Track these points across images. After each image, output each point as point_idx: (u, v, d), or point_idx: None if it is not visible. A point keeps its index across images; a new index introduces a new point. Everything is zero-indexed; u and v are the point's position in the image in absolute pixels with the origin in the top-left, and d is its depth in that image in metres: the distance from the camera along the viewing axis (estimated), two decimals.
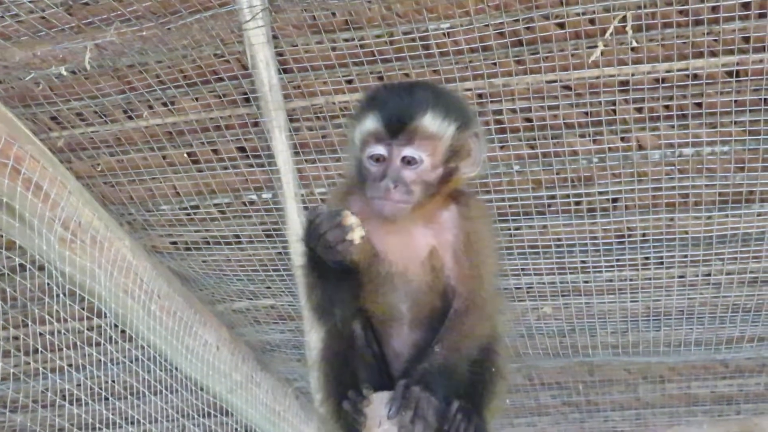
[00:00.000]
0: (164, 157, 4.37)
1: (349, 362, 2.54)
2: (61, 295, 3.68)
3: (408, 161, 2.40)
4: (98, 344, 4.25)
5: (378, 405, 2.20)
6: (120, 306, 3.87)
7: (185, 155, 4.37)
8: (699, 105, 3.97)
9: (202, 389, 4.84)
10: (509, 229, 4.59)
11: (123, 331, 4.32)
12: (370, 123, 2.41)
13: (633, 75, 3.87)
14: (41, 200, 3.31)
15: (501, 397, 2.56)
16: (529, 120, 4.12)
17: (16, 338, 4.26)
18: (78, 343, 4.15)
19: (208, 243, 4.77)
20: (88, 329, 4.22)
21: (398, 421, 2.17)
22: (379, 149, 2.40)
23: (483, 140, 2.51)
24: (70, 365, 4.32)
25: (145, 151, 4.32)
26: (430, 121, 2.40)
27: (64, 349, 4.21)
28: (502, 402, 2.60)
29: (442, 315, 2.45)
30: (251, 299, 5.24)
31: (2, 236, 3.73)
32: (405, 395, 2.22)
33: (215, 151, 4.36)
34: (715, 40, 3.72)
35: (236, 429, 5.21)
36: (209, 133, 4.26)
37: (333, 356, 2.58)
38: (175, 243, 4.80)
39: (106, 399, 4.50)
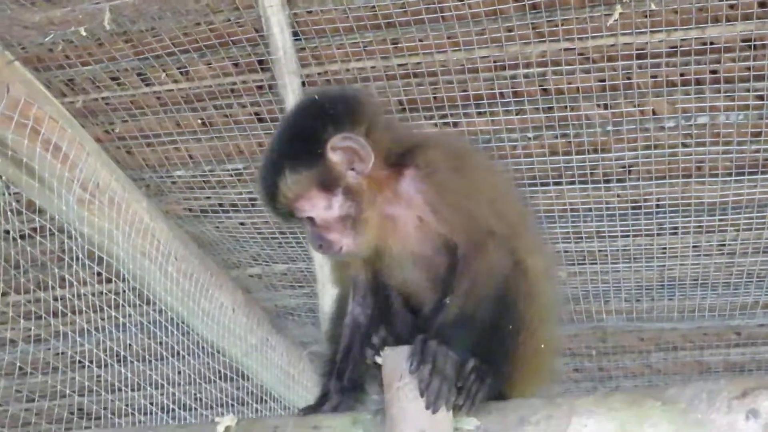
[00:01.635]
0: (178, 123, 4.37)
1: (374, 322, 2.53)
2: (81, 257, 3.72)
3: (312, 220, 2.41)
4: (117, 306, 4.28)
5: (399, 359, 2.20)
6: (137, 267, 3.91)
7: (200, 120, 4.37)
8: (715, 73, 3.94)
9: (220, 352, 4.88)
10: (524, 197, 4.58)
11: (141, 294, 4.35)
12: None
13: (649, 42, 3.84)
14: (60, 161, 3.34)
15: (535, 356, 2.47)
16: (545, 87, 4.10)
17: (37, 300, 4.29)
18: (98, 304, 4.18)
19: (223, 208, 4.78)
20: (107, 292, 4.26)
21: (417, 375, 2.17)
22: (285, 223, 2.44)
23: (355, 134, 2.38)
24: (90, 328, 4.35)
25: (159, 116, 4.32)
26: (292, 185, 2.36)
27: (86, 311, 4.24)
28: (540, 362, 2.52)
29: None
30: (266, 264, 5.26)
31: (19, 200, 3.76)
32: (423, 350, 2.19)
33: (229, 117, 4.35)
34: (732, 7, 3.69)
35: (252, 392, 5.25)
36: (224, 99, 4.25)
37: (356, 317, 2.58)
38: (190, 208, 4.82)
39: (124, 360, 4.54)
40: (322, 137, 2.36)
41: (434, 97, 4.12)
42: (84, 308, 4.12)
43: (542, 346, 2.49)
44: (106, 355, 4.29)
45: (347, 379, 2.51)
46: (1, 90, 3.05)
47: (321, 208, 2.38)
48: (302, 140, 2.39)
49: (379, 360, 2.26)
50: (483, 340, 2.31)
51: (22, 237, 3.86)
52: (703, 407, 2.19)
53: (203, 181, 4.64)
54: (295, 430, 2.29)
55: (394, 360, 2.23)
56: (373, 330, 2.46)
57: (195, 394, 4.89)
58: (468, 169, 2.47)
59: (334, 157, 2.36)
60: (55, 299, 4.29)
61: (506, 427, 2.23)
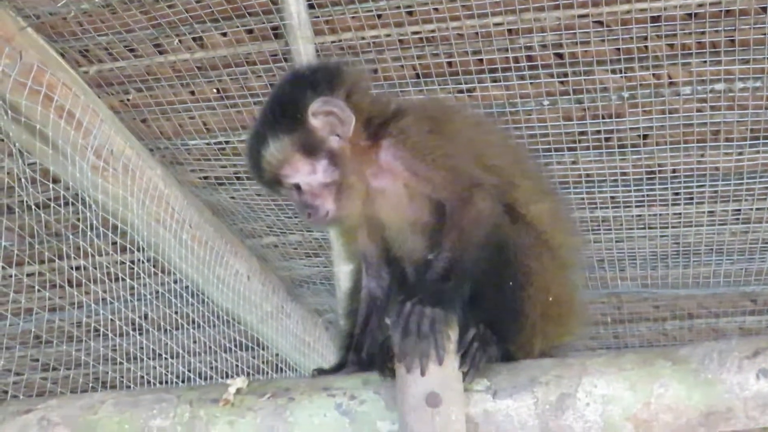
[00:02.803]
0: (193, 93, 4.37)
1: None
2: (97, 226, 3.74)
3: (298, 188, 2.42)
4: (134, 276, 4.31)
5: None
6: (152, 235, 3.92)
7: (215, 90, 4.37)
8: (731, 39, 3.91)
9: (236, 320, 4.91)
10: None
11: (156, 262, 4.37)
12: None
13: (665, 8, 3.82)
14: (74, 128, 3.35)
15: (550, 310, 2.43)
16: (560, 55, 4.08)
17: (51, 270, 4.32)
18: (115, 273, 4.20)
19: (238, 177, 4.79)
20: (121, 262, 4.28)
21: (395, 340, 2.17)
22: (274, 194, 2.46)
23: (334, 98, 2.41)
24: (108, 297, 4.38)
25: (174, 86, 4.32)
26: (275, 152, 2.38)
27: (103, 280, 4.26)
28: (558, 315, 2.48)
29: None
30: (281, 233, 5.27)
31: (35, 170, 3.78)
32: (399, 312, 2.19)
33: (244, 86, 4.35)
34: None
35: (269, 360, 5.27)
36: (238, 68, 4.24)
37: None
38: (205, 177, 4.83)
39: (141, 329, 4.56)
40: (302, 103, 2.39)
41: (449, 65, 4.10)
42: (101, 277, 4.14)
43: (559, 298, 2.46)
44: (124, 324, 4.31)
45: (366, 352, 2.53)
46: (14, 56, 3.06)
47: (305, 173, 2.41)
48: (283, 108, 2.43)
49: (387, 320, 2.26)
50: (483, 298, 2.30)
51: (38, 206, 3.87)
52: (714, 367, 2.19)
53: (218, 150, 4.65)
54: (306, 391, 2.31)
55: None
56: (392, 300, 2.46)
57: (212, 363, 4.92)
58: (444, 128, 2.46)
59: (315, 121, 2.39)
60: (72, 268, 4.31)
61: (517, 387, 2.24)
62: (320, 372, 2.51)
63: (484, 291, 2.31)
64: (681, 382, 2.18)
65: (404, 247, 2.50)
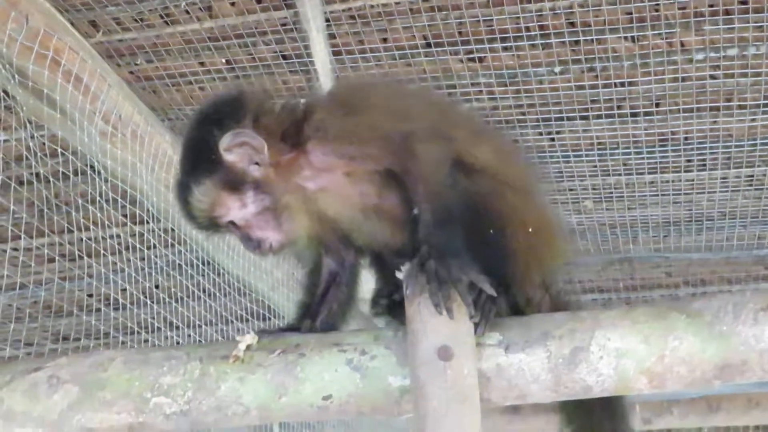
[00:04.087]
0: (202, 63, 4.35)
1: None
2: (110, 196, 3.73)
3: (235, 225, 2.42)
4: (140, 250, 4.30)
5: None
6: (162, 200, 3.89)
7: (224, 60, 4.35)
8: (744, 3, 3.87)
9: (250, 290, 4.90)
10: (551, 132, 4.55)
11: (167, 232, 4.36)
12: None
13: None
14: (81, 93, 3.32)
15: (533, 243, 2.41)
16: (571, 21, 4.04)
17: (61, 243, 4.31)
18: (127, 243, 4.20)
19: None
20: (131, 235, 4.27)
21: (429, 292, 2.16)
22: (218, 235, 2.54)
23: (241, 128, 2.38)
24: (123, 267, 4.37)
25: (183, 56, 4.30)
26: (201, 197, 2.38)
27: (118, 250, 4.25)
28: (540, 247, 2.46)
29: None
30: None
31: (44, 144, 3.77)
32: (421, 271, 2.18)
33: (254, 57, 4.33)
34: None
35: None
36: (246, 39, 4.22)
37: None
38: None
39: (157, 299, 4.56)
40: (211, 142, 2.36)
41: (459, 32, 4.07)
42: (116, 247, 4.13)
43: (538, 226, 2.44)
44: (135, 292, 4.30)
45: (320, 321, 2.54)
46: (21, 21, 3.03)
47: (236, 209, 2.40)
48: (197, 151, 2.42)
49: (399, 275, 2.24)
50: (474, 251, 2.27)
51: (48, 177, 3.87)
52: (729, 319, 2.17)
53: None
54: (317, 347, 2.29)
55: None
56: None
57: (225, 331, 4.92)
58: (359, 104, 2.44)
59: (230, 156, 2.37)
60: (82, 240, 4.30)
61: (529, 341, 2.22)
62: (264, 332, 2.48)
63: (471, 245, 2.28)
64: (695, 335, 2.16)
65: (366, 238, 2.51)
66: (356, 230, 2.49)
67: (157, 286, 4.56)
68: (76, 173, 3.70)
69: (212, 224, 2.46)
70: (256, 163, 2.39)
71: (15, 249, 3.84)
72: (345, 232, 2.51)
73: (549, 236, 2.52)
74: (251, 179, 2.39)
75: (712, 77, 4.22)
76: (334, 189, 2.43)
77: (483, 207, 2.34)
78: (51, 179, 3.67)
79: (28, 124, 3.44)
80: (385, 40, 4.11)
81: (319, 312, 2.55)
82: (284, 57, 4.30)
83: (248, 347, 2.31)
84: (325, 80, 4.30)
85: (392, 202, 2.42)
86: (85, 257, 4.09)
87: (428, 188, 2.29)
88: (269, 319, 5.11)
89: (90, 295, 4.40)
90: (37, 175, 3.72)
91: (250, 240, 2.43)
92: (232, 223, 2.43)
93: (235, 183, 2.38)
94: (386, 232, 2.45)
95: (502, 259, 2.35)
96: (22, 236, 3.61)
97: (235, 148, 2.36)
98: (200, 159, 2.39)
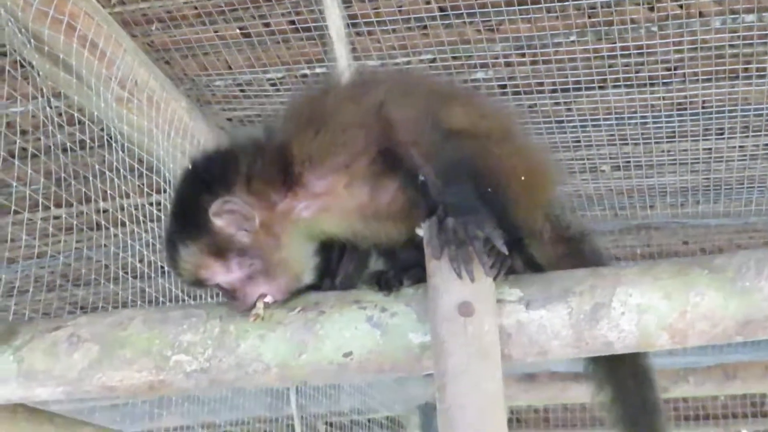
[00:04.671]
0: (216, 32, 4.34)
1: None
2: (127, 162, 3.74)
3: (220, 286, 2.39)
4: (159, 219, 4.30)
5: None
6: (178, 167, 3.89)
7: (237, 29, 4.33)
8: None
9: None
10: (568, 100, 4.53)
11: None
12: None
13: None
14: (97, 58, 3.32)
15: (530, 192, 2.41)
16: None
17: (81, 213, 4.32)
18: (138, 216, 4.20)
19: (258, 116, 4.76)
20: (149, 203, 4.27)
21: (447, 256, 2.15)
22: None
23: (232, 195, 2.35)
24: (133, 241, 4.38)
25: (197, 26, 4.29)
26: (186, 258, 2.36)
27: (128, 224, 4.26)
28: (539, 190, 2.47)
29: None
30: None
31: (61, 114, 3.78)
32: (440, 230, 2.18)
33: (267, 25, 4.31)
34: None
35: None
36: (261, 7, 4.20)
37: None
38: (230, 118, 4.81)
39: (166, 274, 4.56)
40: (201, 207, 2.34)
41: (476, 1, 4.04)
42: (135, 215, 4.14)
43: (529, 169, 2.43)
44: (146, 268, 4.31)
45: (339, 281, 2.54)
46: None
47: (221, 273, 2.37)
48: (186, 212, 2.39)
49: (419, 232, 2.24)
50: (483, 200, 2.26)
51: (65, 149, 3.87)
52: (751, 275, 2.16)
53: (241, 91, 4.62)
54: (337, 304, 2.29)
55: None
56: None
57: None
58: (322, 114, 2.40)
59: (220, 221, 2.34)
60: (97, 212, 4.31)
61: (550, 298, 2.21)
62: None
63: (477, 188, 2.27)
64: (718, 291, 2.15)
65: (367, 239, 2.49)
66: (360, 238, 2.48)
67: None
68: (93, 141, 3.70)
69: (198, 283, 2.44)
70: (245, 230, 2.36)
71: (31, 220, 3.84)
72: (349, 240, 2.51)
73: (539, 173, 2.51)
74: (238, 245, 2.36)
75: (731, 45, 4.17)
76: (332, 208, 2.41)
77: (473, 164, 2.31)
78: (69, 147, 3.68)
79: (44, 92, 3.44)
80: (400, 9, 4.08)
81: (338, 272, 2.56)
82: (298, 28, 4.29)
83: (265, 305, 2.31)
84: (340, 49, 4.28)
85: (391, 198, 2.40)
86: (104, 226, 4.10)
87: (421, 150, 2.29)
88: None
89: (107, 266, 4.40)
90: (57, 144, 3.73)
91: (234, 300, 2.39)
92: (218, 285, 2.40)
93: (220, 249, 2.35)
94: (390, 231, 2.44)
95: (505, 212, 2.33)
96: (40, 205, 3.61)
97: (225, 215, 2.34)
98: (188, 220, 2.37)
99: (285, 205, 2.40)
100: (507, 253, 2.18)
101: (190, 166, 2.48)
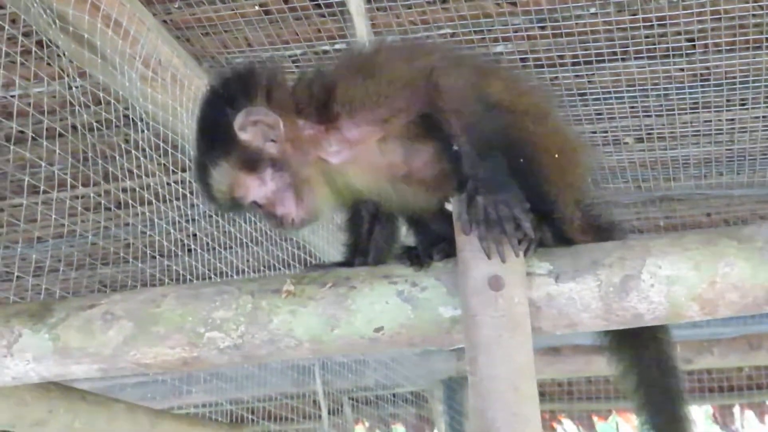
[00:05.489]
0: (236, 9, 4.34)
1: None
2: (152, 140, 3.76)
3: (257, 204, 2.42)
4: (184, 196, 4.33)
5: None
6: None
7: (257, 6, 4.33)
8: None
9: (285, 240, 4.93)
10: (590, 73, 4.52)
11: None
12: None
13: None
14: (121, 37, 3.33)
15: (562, 172, 2.41)
16: None
17: (107, 192, 4.35)
18: (164, 194, 4.23)
19: None
20: (175, 182, 4.30)
21: (477, 235, 2.16)
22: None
23: (253, 106, 2.37)
24: (158, 219, 4.41)
25: (217, 3, 4.29)
26: (219, 179, 2.38)
27: (153, 202, 4.29)
28: (572, 172, 2.47)
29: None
30: None
31: (85, 92, 3.80)
32: (470, 208, 2.19)
33: (287, 2, 4.31)
34: None
35: None
36: None
37: None
38: None
39: (190, 251, 4.61)
40: (225, 122, 2.36)
41: None
42: (161, 193, 4.17)
43: (562, 148, 2.44)
44: (184, 239, 4.35)
45: (372, 258, 2.56)
46: None
47: (256, 187, 2.39)
48: (211, 132, 2.41)
49: (449, 207, 2.25)
50: (515, 174, 2.26)
51: (91, 128, 3.90)
52: None
53: None
54: (367, 279, 2.31)
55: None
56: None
57: (268, 276, 4.97)
58: (374, 66, 2.42)
59: (245, 135, 2.36)
60: (123, 191, 4.34)
61: (579, 270, 2.22)
62: (317, 267, 2.53)
63: (510, 163, 2.27)
64: (747, 261, 2.16)
65: (394, 204, 2.51)
66: (386, 199, 2.49)
67: (201, 232, 4.59)
68: (118, 120, 3.73)
69: (234, 204, 2.46)
70: (272, 140, 2.38)
71: (59, 199, 3.87)
72: (374, 201, 2.53)
73: (572, 155, 2.51)
74: (268, 157, 2.38)
75: (753, 15, 4.14)
76: (363, 161, 2.42)
77: (509, 139, 2.31)
78: (95, 127, 3.70)
79: (71, 71, 3.46)
80: None
81: (369, 249, 2.58)
82: (317, 4, 4.28)
83: (295, 282, 2.33)
84: (360, 25, 4.28)
85: (423, 164, 2.41)
86: (131, 204, 4.13)
87: (462, 120, 2.29)
88: (311, 263, 5.15)
89: (129, 243, 4.44)
90: (81, 123, 3.75)
91: (274, 217, 2.43)
92: (254, 202, 2.43)
93: (252, 162, 2.37)
94: (418, 198, 2.46)
95: (537, 187, 2.33)
96: (69, 184, 3.64)
97: (250, 127, 2.36)
98: (215, 139, 2.39)
99: (314, 133, 2.42)
100: (532, 235, 2.19)
101: (209, 88, 2.52)
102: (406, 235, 2.67)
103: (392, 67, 2.40)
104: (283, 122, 2.37)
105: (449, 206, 2.24)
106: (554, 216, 2.37)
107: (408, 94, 2.35)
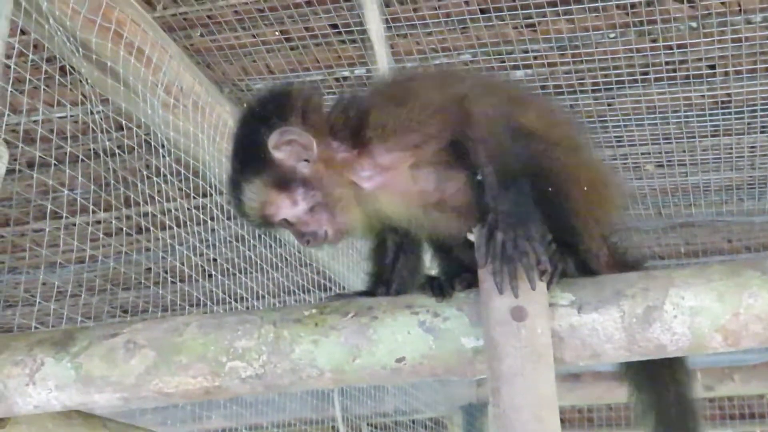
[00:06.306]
0: (257, 35, 4.36)
1: None
2: (173, 166, 3.78)
3: (288, 222, 2.43)
4: (204, 222, 4.34)
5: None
6: (223, 170, 3.94)
7: (277, 33, 4.36)
8: None
9: (309, 261, 4.93)
10: (610, 99, 4.52)
11: (223, 208, 4.40)
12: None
13: None
14: (144, 65, 3.37)
15: (590, 205, 2.40)
16: None
17: (128, 217, 4.37)
18: (184, 220, 4.25)
19: None
20: (195, 208, 4.31)
21: (491, 269, 2.16)
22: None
23: (288, 126, 2.39)
24: (176, 244, 4.42)
25: (238, 29, 4.32)
26: (252, 196, 2.40)
27: (172, 227, 4.30)
28: (600, 206, 2.45)
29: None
30: None
31: (108, 116, 3.82)
32: (488, 243, 2.18)
33: (307, 28, 4.33)
34: None
35: None
36: (301, 10, 4.22)
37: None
38: None
39: (210, 276, 4.61)
40: (260, 141, 2.38)
41: (519, 2, 4.03)
42: (180, 219, 4.19)
43: (592, 182, 2.43)
44: (203, 264, 4.36)
45: (394, 289, 2.56)
46: None
47: (287, 207, 2.41)
48: (246, 150, 2.43)
49: (471, 237, 2.25)
50: (538, 210, 2.25)
51: (112, 153, 3.91)
52: None
53: None
54: (389, 309, 2.30)
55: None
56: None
57: (287, 302, 4.97)
58: (407, 93, 2.43)
59: (279, 154, 2.38)
60: (141, 215, 4.36)
61: (602, 301, 2.21)
62: (340, 296, 2.55)
63: (535, 207, 2.26)
64: None
65: (425, 230, 2.51)
66: (416, 226, 2.49)
67: (221, 257, 4.60)
68: (140, 146, 3.75)
69: (265, 222, 2.47)
70: (306, 160, 2.40)
71: (85, 223, 3.89)
72: (404, 228, 2.52)
73: (603, 190, 2.50)
74: (301, 176, 2.40)
75: None
76: (395, 187, 2.43)
77: (538, 169, 2.31)
78: (116, 152, 3.72)
79: (92, 99, 3.49)
80: (439, 8, 4.09)
81: (392, 280, 2.58)
82: (338, 28, 4.30)
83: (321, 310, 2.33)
84: (380, 51, 4.30)
85: (456, 191, 2.42)
86: (151, 229, 4.15)
87: (489, 149, 2.29)
88: (330, 289, 5.15)
89: (149, 269, 4.45)
90: (103, 149, 3.77)
91: (303, 235, 2.45)
92: (285, 220, 2.44)
93: (284, 181, 2.39)
94: (449, 225, 2.45)
95: (563, 219, 2.34)
96: (91, 209, 3.65)
97: (284, 146, 2.38)
98: (250, 157, 2.41)
99: (346, 156, 2.42)
100: (550, 268, 2.18)
101: (246, 106, 2.56)
102: (429, 265, 2.67)
103: (425, 94, 2.41)
104: (316, 143, 2.39)
105: (471, 236, 2.24)
106: (578, 247, 2.36)
107: (440, 121, 2.35)
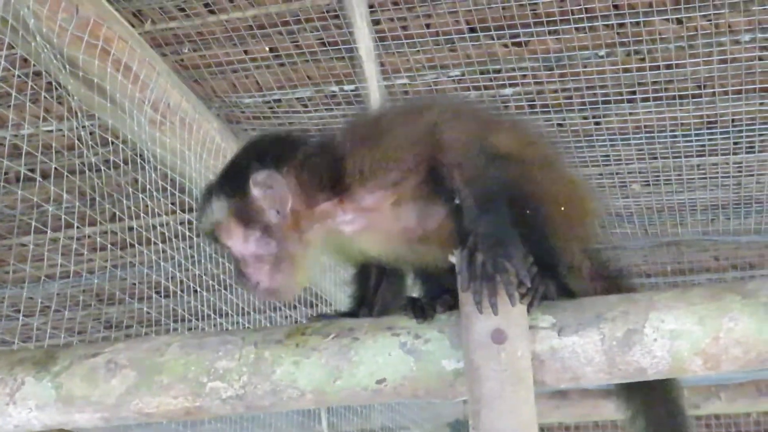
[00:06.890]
0: (246, 52, 4.37)
1: None
2: (159, 182, 3.77)
3: (231, 253, 2.48)
4: (190, 238, 4.34)
5: None
6: None
7: (266, 49, 4.36)
8: None
9: None
10: (597, 116, 4.53)
11: None
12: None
13: None
14: (131, 82, 3.37)
15: (569, 223, 2.42)
16: (616, 3, 4.00)
17: (114, 232, 4.36)
18: (169, 236, 4.24)
19: None
20: (180, 224, 4.31)
21: (471, 291, 2.16)
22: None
23: (278, 173, 2.41)
24: (161, 260, 4.41)
25: (227, 45, 4.32)
26: (214, 209, 2.43)
27: (156, 242, 4.29)
28: (578, 222, 2.47)
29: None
30: None
31: (93, 132, 3.82)
32: (469, 266, 2.18)
33: (296, 45, 4.34)
34: None
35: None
36: (290, 27, 4.23)
37: None
38: None
39: (194, 292, 4.60)
40: (246, 171, 2.41)
41: (504, 17, 4.05)
42: (166, 235, 4.19)
43: (569, 199, 2.45)
44: (189, 280, 4.35)
45: (377, 312, 2.58)
46: (71, 10, 3.08)
47: (237, 240, 2.43)
48: (232, 172, 2.48)
49: (453, 259, 2.25)
50: (519, 228, 2.26)
51: (98, 169, 3.91)
52: None
53: (270, 109, 4.65)
54: (371, 330, 2.30)
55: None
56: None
57: (274, 318, 4.96)
58: (378, 130, 2.46)
59: (256, 192, 2.41)
60: (127, 230, 4.35)
61: (582, 324, 2.21)
62: (322, 316, 2.55)
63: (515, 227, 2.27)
64: (751, 316, 2.15)
65: (408, 263, 2.55)
66: (400, 261, 2.52)
67: (206, 274, 4.60)
68: (126, 162, 3.75)
69: (214, 239, 2.50)
70: (276, 211, 2.42)
71: (69, 237, 3.88)
72: (388, 262, 2.55)
73: (580, 204, 2.52)
74: (265, 222, 2.42)
75: (761, 59, 4.16)
76: (378, 227, 2.44)
77: (515, 189, 2.32)
78: (102, 168, 3.72)
79: (78, 114, 3.49)
80: (428, 26, 4.10)
81: (375, 302, 2.60)
82: (328, 44, 4.31)
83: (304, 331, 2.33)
84: (369, 68, 4.30)
85: (437, 224, 2.43)
86: (136, 245, 4.15)
87: (464, 173, 2.30)
88: (316, 305, 5.14)
89: (134, 284, 4.45)
90: (89, 164, 3.77)
91: (240, 272, 2.46)
92: (230, 249, 2.46)
93: (247, 217, 2.41)
94: (433, 255, 2.45)
95: (543, 238, 2.35)
96: (75, 225, 3.65)
97: (264, 188, 2.40)
98: (231, 179, 2.45)
99: (327, 208, 2.44)
100: (529, 286, 2.18)
101: (258, 136, 2.63)
102: (411, 286, 2.67)
103: (396, 130, 2.43)
104: (293, 203, 2.41)
105: (452, 259, 2.24)
106: (558, 269, 2.36)
107: (414, 153, 2.37)
